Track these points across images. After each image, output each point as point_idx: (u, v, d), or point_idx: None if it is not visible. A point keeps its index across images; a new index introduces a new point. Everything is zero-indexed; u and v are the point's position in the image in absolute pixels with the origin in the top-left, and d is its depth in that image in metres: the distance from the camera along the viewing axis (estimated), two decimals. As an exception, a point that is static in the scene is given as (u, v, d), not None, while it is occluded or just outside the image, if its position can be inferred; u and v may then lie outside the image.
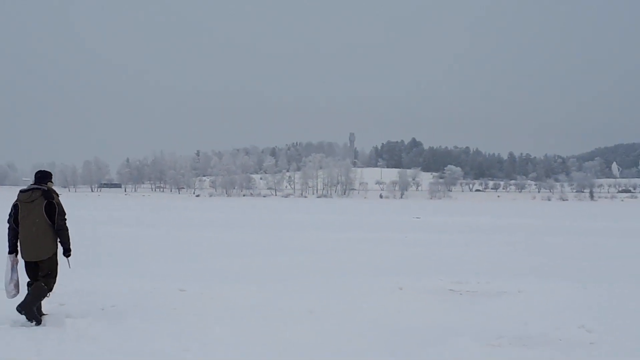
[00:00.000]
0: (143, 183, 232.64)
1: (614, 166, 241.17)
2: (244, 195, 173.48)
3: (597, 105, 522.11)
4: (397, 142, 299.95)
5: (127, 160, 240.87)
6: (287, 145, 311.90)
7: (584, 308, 16.53)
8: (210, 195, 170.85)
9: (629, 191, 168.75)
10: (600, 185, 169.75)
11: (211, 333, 13.40)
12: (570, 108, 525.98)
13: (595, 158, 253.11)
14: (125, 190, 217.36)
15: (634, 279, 22.08)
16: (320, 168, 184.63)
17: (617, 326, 14.42)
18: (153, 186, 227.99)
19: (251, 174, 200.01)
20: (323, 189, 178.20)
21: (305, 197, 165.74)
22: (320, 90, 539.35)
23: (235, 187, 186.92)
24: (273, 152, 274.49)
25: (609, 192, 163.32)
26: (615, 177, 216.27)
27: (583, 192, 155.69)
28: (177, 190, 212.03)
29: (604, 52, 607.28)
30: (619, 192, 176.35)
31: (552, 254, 30.61)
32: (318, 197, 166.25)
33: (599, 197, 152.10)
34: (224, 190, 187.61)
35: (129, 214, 74.28)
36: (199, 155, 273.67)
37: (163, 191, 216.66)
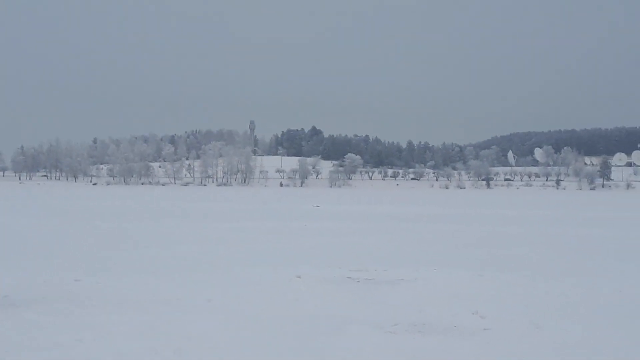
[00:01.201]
0: (38, 171, 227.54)
1: (510, 154, 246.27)
2: (142, 184, 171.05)
3: (493, 94, 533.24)
4: (297, 130, 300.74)
5: (22, 147, 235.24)
6: (186, 133, 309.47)
7: (478, 295, 16.82)
8: (108, 184, 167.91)
9: (524, 179, 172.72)
10: (497, 174, 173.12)
11: (106, 323, 13.17)
12: (467, 97, 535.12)
13: (492, 147, 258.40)
14: (20, 179, 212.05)
15: (528, 266, 22.57)
16: (220, 156, 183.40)
17: (510, 312, 14.72)
18: (49, 174, 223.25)
19: (150, 162, 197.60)
20: (223, 177, 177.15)
21: (205, 185, 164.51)
22: (220, 78, 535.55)
23: (134, 176, 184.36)
24: (172, 140, 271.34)
25: (504, 180, 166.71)
26: (511, 166, 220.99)
27: (480, 180, 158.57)
28: (74, 178, 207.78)
29: (500, 42, 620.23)
30: (515, 180, 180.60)
31: (450, 242, 31.05)
32: (218, 185, 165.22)
33: (495, 185, 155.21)
34: (122, 179, 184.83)
35: (21, 203, 72.38)
36: (96, 143, 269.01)
37: (59, 179, 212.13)
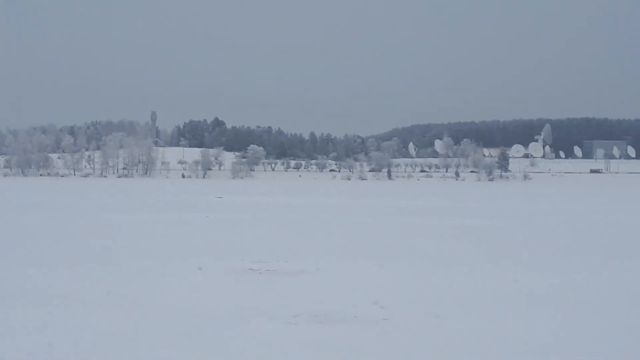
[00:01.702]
0: None
1: (411, 146, 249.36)
2: (41, 175, 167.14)
3: (394, 87, 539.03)
4: (199, 121, 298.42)
5: None
6: (86, 124, 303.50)
7: (379, 285, 17.03)
8: (5, 175, 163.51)
9: (425, 170, 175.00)
10: (398, 165, 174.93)
11: (3, 318, 12.90)
12: (367, 89, 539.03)
13: (393, 138, 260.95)
14: None
15: (427, 256, 22.93)
16: (121, 147, 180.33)
17: (409, 302, 14.95)
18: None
19: (49, 153, 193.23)
20: (124, 168, 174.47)
21: (106, 176, 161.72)
22: (121, 67, 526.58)
23: (32, 167, 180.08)
24: (72, 131, 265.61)
25: (405, 172, 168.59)
26: (411, 157, 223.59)
27: (381, 171, 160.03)
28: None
29: (401, 35, 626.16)
30: (415, 171, 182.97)
31: (352, 233, 31.29)
32: (119, 176, 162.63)
33: (397, 176, 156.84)
34: (20, 170, 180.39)
35: None
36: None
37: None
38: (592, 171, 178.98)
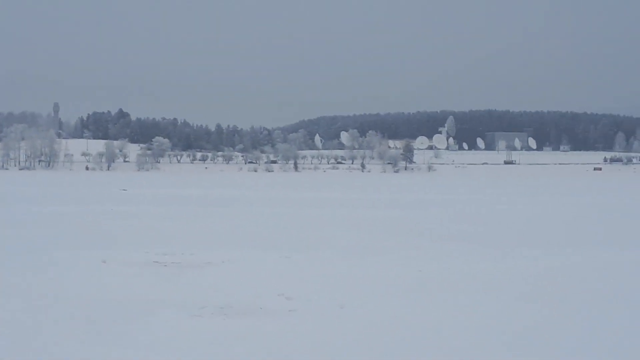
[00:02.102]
0: None
1: (317, 138, 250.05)
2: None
3: (301, 79, 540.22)
4: (103, 113, 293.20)
5: None
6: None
7: (285, 277, 17.09)
8: None
9: (331, 162, 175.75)
10: (304, 157, 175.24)
11: None
12: (274, 81, 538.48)
13: (300, 130, 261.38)
14: None
15: (333, 247, 23.07)
16: (23, 139, 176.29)
17: (316, 293, 15.03)
18: None
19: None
20: (26, 161, 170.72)
21: (7, 169, 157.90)
22: (22, 58, 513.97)
23: None
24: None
25: (312, 163, 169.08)
26: (318, 149, 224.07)
27: (288, 163, 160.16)
28: None
29: (304, 31, 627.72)
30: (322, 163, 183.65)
31: (259, 225, 31.30)
32: (21, 169, 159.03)
33: (303, 168, 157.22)
34: None
35: None
36: None
37: None
38: (506, 162, 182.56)
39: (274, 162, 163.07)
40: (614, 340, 11.48)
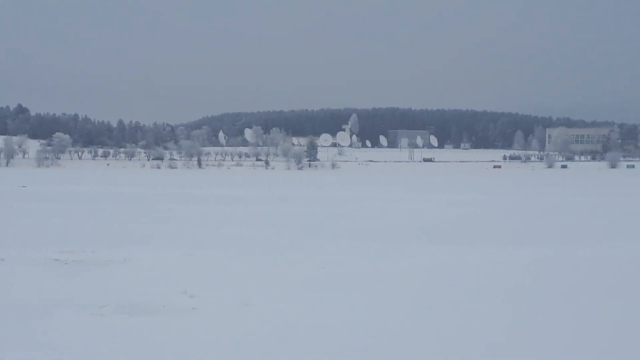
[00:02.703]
0: None
1: (221, 135, 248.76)
2: None
3: (204, 74, 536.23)
4: (2, 108, 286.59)
5: None
6: None
7: (188, 274, 17.04)
8: None
9: (235, 159, 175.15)
10: (208, 153, 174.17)
11: None
12: (177, 76, 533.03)
13: (203, 127, 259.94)
14: None
15: (238, 244, 23.11)
16: None
17: (219, 290, 15.04)
18: None
19: None
20: None
21: None
22: None
23: None
24: None
25: (216, 160, 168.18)
26: (222, 146, 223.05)
27: (191, 159, 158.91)
28: None
29: (206, 25, 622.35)
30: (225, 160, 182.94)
31: (161, 222, 31.14)
32: None
33: (207, 165, 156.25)
34: None
35: None
36: None
37: None
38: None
39: (174, 159, 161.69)
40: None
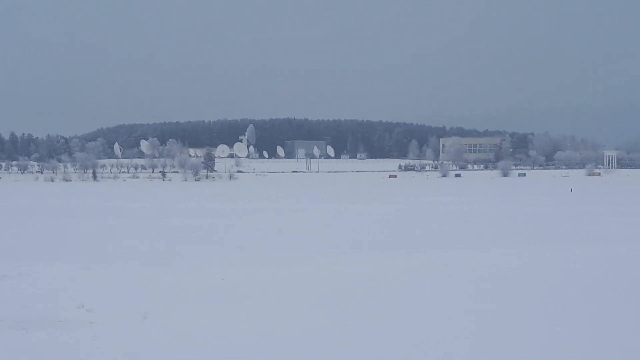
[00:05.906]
0: None
1: (116, 146, 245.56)
2: None
3: (98, 85, 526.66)
4: None
5: None
6: None
7: (85, 289, 16.91)
8: None
9: (131, 171, 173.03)
10: (104, 166, 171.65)
11: None
12: (70, 88, 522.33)
13: (98, 139, 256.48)
14: None
15: (136, 257, 22.97)
16: None
17: (117, 304, 15.01)
18: None
19: None
20: None
21: None
22: None
23: None
24: None
25: (111, 172, 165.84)
26: (117, 158, 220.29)
27: (86, 172, 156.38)
28: None
29: (101, 34, 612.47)
30: (122, 172, 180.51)
31: (56, 235, 30.67)
32: None
33: (102, 177, 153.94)
34: None
35: None
36: None
37: None
38: (294, 171, 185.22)
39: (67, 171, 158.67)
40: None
